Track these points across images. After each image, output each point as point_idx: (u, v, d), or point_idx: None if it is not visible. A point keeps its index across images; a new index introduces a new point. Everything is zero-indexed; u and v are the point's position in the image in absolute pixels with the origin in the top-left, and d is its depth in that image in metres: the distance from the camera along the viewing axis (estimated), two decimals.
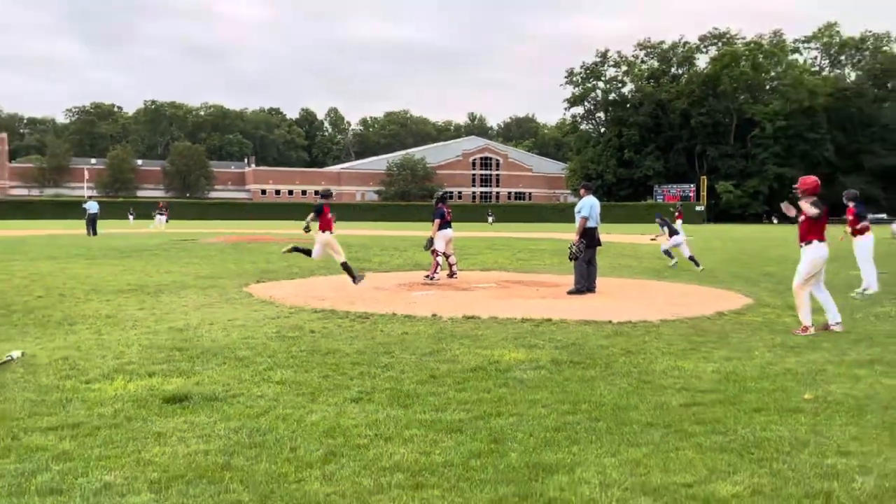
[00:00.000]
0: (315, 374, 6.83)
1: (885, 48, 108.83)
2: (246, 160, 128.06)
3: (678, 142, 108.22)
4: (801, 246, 9.43)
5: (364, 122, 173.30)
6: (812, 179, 9.53)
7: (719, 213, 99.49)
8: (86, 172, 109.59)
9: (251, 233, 41.29)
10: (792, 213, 9.39)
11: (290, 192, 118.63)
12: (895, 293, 13.39)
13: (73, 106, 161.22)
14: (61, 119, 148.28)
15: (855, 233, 14.13)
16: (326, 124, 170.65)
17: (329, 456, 4.66)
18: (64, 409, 5.69)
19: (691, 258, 19.32)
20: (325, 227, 14.05)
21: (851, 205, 14.02)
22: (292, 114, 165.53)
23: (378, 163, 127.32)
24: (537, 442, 4.95)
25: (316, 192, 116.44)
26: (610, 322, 9.90)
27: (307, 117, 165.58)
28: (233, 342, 8.34)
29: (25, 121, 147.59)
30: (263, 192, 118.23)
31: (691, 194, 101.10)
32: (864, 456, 4.67)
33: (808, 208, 9.26)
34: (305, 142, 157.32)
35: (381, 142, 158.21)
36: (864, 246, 13.97)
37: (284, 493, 4.06)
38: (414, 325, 9.67)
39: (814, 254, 9.22)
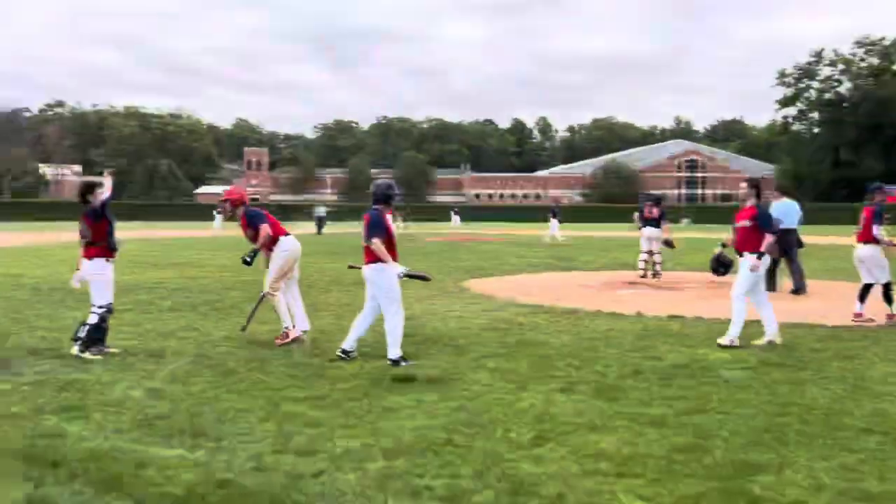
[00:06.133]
0: (524, 364, 6.92)
1: None
2: (462, 167, 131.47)
3: None
4: None
5: (571, 129, 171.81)
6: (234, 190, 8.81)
7: None
8: (328, 180, 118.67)
9: (467, 233, 42.40)
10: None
11: (501, 196, 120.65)
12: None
13: (318, 123, 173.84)
14: (309, 134, 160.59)
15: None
16: (535, 132, 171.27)
17: (538, 440, 4.71)
18: (311, 383, 6.21)
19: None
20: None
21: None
22: (504, 123, 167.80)
23: (584, 167, 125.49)
24: (743, 441, 4.69)
25: (525, 196, 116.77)
26: (823, 326, 9.09)
27: (518, 126, 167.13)
28: (450, 331, 8.65)
29: (282, 137, 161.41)
30: (478, 196, 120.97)
31: None
32: None
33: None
34: (516, 149, 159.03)
35: (587, 147, 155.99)
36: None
37: (498, 471, 4.17)
38: (618, 322, 9.47)
39: None
